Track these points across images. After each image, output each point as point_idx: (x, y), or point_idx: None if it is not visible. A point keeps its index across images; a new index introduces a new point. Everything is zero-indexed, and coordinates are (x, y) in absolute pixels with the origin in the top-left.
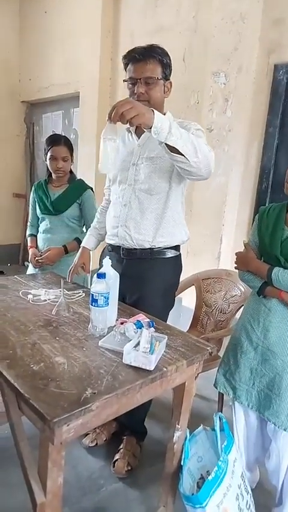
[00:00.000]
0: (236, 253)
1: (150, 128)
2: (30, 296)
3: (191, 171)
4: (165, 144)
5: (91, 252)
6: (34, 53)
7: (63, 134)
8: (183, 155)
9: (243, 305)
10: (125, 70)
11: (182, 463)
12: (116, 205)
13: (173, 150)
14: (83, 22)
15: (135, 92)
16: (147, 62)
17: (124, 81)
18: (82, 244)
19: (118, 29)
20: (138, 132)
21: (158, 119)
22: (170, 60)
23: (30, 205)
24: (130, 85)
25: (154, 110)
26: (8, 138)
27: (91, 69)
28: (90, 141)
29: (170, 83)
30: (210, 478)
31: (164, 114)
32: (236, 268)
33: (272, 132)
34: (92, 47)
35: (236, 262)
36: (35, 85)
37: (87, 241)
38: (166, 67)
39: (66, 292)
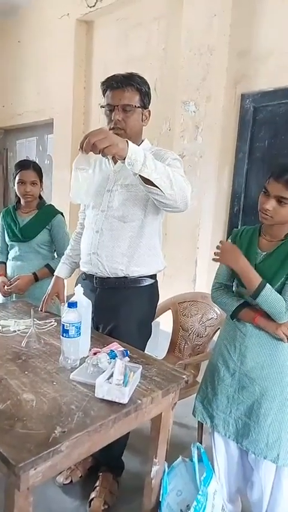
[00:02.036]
0: (221, 242)
1: (125, 159)
2: None
3: (166, 203)
4: (140, 175)
5: (65, 280)
6: (8, 81)
7: (37, 160)
8: (158, 187)
9: (219, 328)
10: (103, 96)
11: (160, 499)
12: (89, 232)
13: (148, 181)
14: (57, 52)
15: (112, 118)
16: (125, 89)
17: (101, 107)
18: (55, 273)
19: (91, 58)
20: (115, 158)
21: (132, 150)
22: (149, 89)
23: None
24: (108, 111)
25: (128, 140)
26: None
27: (64, 97)
28: (65, 167)
29: (149, 111)
30: None
31: (142, 142)
32: (217, 260)
33: (242, 158)
34: (65, 76)
35: (220, 254)
36: (9, 112)
37: (60, 269)
38: (144, 96)
39: (37, 321)
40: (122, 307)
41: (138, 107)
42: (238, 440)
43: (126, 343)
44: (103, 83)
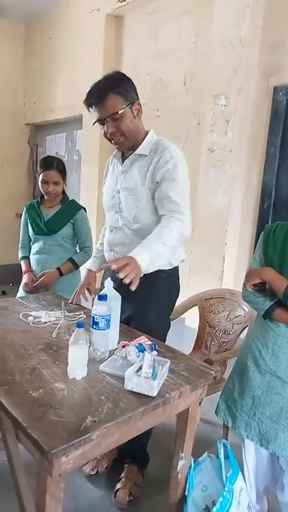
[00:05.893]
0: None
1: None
2: (30, 318)
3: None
4: None
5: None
6: (39, 78)
7: (66, 155)
8: None
9: (247, 326)
10: (89, 111)
11: (186, 493)
12: (108, 230)
13: None
14: (87, 48)
15: (106, 131)
16: (105, 101)
17: (93, 124)
18: (87, 267)
19: (121, 53)
20: (123, 158)
21: (144, 266)
22: (128, 83)
23: (21, 225)
24: (101, 125)
25: (136, 259)
26: (12, 159)
27: None
28: (93, 163)
29: (138, 103)
30: (214, 509)
31: (147, 134)
32: (245, 282)
33: (273, 152)
34: (95, 72)
35: (246, 276)
36: (39, 108)
37: (92, 263)
38: (127, 93)
39: (67, 313)
40: (139, 295)
41: (124, 108)
42: (262, 443)
43: (145, 332)
44: (84, 102)
